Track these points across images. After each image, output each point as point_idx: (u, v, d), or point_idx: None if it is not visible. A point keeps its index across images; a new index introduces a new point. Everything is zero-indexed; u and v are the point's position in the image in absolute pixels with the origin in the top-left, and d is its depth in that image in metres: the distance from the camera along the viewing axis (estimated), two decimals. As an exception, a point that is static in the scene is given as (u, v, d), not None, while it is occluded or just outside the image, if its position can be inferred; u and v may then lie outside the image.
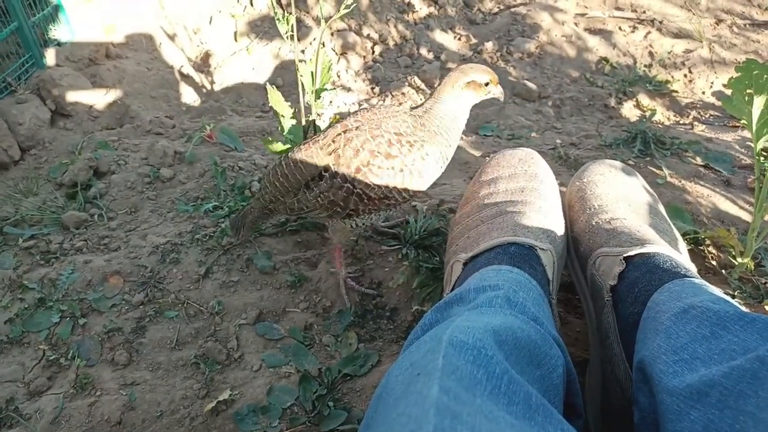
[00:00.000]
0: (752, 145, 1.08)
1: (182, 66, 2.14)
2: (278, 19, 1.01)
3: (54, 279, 1.24)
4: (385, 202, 1.05)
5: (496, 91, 1.07)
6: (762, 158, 1.07)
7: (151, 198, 1.51)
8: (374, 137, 1.01)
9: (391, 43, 2.28)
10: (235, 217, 1.21)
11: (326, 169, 1.03)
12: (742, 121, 1.06)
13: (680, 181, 1.45)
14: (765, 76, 0.98)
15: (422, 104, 1.07)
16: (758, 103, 1.01)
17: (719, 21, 2.31)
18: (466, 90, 1.04)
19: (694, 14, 2.36)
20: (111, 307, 1.19)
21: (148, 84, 2.01)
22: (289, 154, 1.08)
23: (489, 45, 2.27)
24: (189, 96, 2.06)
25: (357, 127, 1.02)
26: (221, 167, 1.55)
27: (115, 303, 1.20)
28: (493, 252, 0.92)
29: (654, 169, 1.53)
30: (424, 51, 2.27)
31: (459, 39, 2.35)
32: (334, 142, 1.03)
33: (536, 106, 2.06)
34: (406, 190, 1.05)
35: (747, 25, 2.29)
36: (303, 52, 2.17)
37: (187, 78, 2.11)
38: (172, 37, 2.21)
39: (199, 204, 1.45)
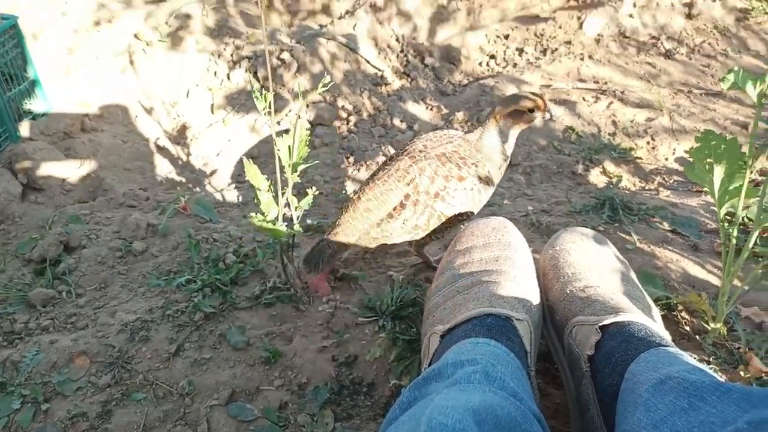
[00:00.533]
0: (716, 210, 1.11)
1: (158, 138, 2.16)
2: (256, 96, 1.03)
3: (17, 361, 1.19)
4: (458, 218, 1.23)
5: (542, 116, 1.22)
6: (726, 224, 1.10)
7: (121, 273, 1.49)
8: (444, 164, 1.17)
9: (365, 114, 2.34)
10: (310, 254, 1.29)
11: (407, 197, 1.18)
12: (705, 188, 1.10)
13: (649, 247, 1.48)
14: (722, 146, 1.03)
15: (473, 131, 1.24)
16: (718, 171, 1.05)
17: (677, 91, 2.44)
18: (510, 119, 1.20)
19: (653, 85, 2.48)
20: (76, 391, 1.14)
21: (123, 156, 2.01)
22: (365, 189, 1.23)
23: (459, 115, 2.34)
24: (164, 168, 2.06)
25: (424, 156, 1.18)
26: (195, 239, 1.54)
27: (80, 386, 1.15)
28: (470, 323, 0.92)
29: (623, 235, 1.56)
30: (397, 121, 2.33)
31: (431, 109, 2.42)
32: (408, 173, 1.18)
33: (508, 174, 2.11)
34: (475, 205, 1.23)
35: (703, 95, 2.41)
36: (279, 123, 2.21)
37: (162, 150, 2.13)
38: (148, 111, 2.23)
39: (171, 278, 1.43)
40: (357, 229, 1.24)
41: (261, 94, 1.00)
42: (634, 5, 2.81)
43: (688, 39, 2.77)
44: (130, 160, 2.02)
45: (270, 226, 1.10)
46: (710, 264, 1.45)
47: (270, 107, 1.03)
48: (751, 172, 1.89)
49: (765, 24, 2.82)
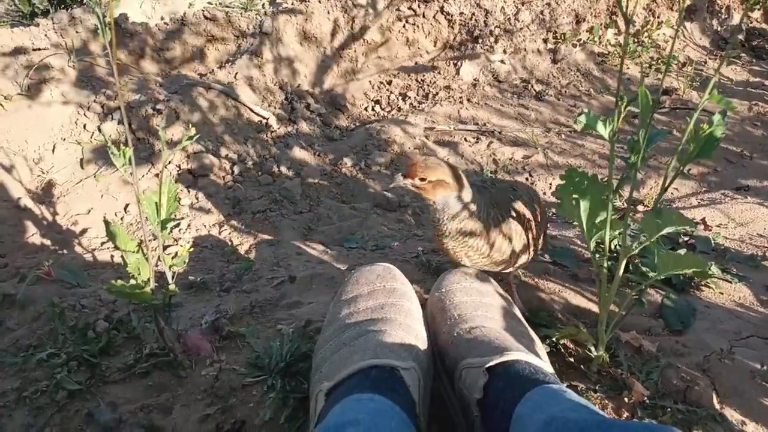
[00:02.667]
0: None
1: (20, 198, 1.97)
2: (113, 153, 0.95)
3: None
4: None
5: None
6: (597, 255, 1.15)
7: (-29, 352, 1.30)
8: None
9: (250, 163, 2.28)
10: None
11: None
12: (575, 222, 1.15)
13: (533, 280, 1.53)
14: (585, 182, 1.08)
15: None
16: (584, 206, 1.10)
17: (549, 130, 2.60)
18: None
19: (526, 125, 2.64)
20: None
21: (-24, 221, 1.81)
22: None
23: (347, 160, 2.34)
24: (26, 231, 1.88)
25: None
26: (60, 307, 1.39)
27: None
28: (355, 378, 0.88)
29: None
30: (284, 168, 2.29)
31: (318, 155, 2.41)
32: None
33: (397, 215, 2.12)
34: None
35: (572, 132, 2.59)
36: (157, 176, 2.10)
37: (25, 211, 1.94)
38: (9, 170, 2.04)
39: (30, 354, 1.27)
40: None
41: (119, 150, 0.92)
42: (504, 51, 3.00)
43: (555, 81, 2.98)
44: (-16, 225, 1.82)
45: (131, 291, 1.01)
46: (589, 292, 1.52)
47: (130, 163, 0.95)
48: (621, 202, 2.03)
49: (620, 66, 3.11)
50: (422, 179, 1.13)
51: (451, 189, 1.14)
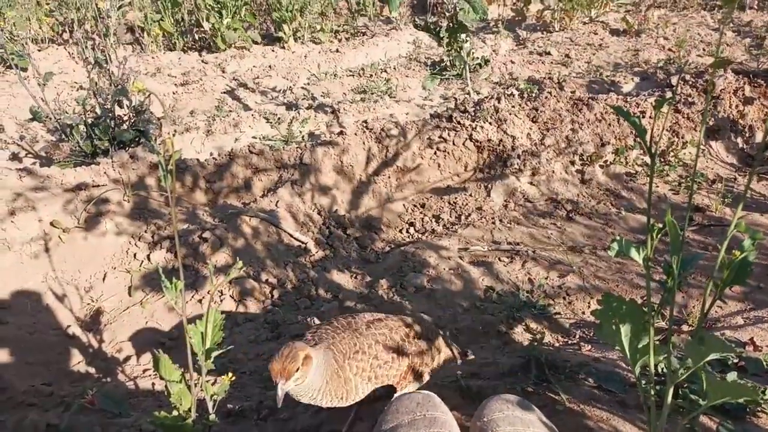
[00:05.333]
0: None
1: (69, 326, 2.05)
2: (166, 287, 1.01)
3: None
4: None
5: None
6: (643, 382, 1.13)
7: (10, 488, 1.31)
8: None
9: (290, 286, 2.34)
10: None
11: None
12: (617, 348, 1.14)
13: (579, 406, 1.48)
14: (623, 307, 1.08)
15: None
16: (625, 331, 1.10)
17: (582, 249, 2.61)
18: None
19: (559, 245, 2.66)
20: None
21: (27, 349, 1.87)
22: None
23: (383, 282, 2.38)
24: (73, 358, 1.93)
25: None
26: (100, 440, 1.40)
27: None
28: None
29: (552, 395, 1.55)
30: (322, 291, 2.33)
31: (355, 278, 2.46)
32: None
33: (435, 338, 2.11)
34: None
35: (606, 251, 2.59)
36: (200, 302, 2.16)
37: (72, 339, 2.00)
38: (60, 298, 2.14)
39: (70, 488, 1.27)
40: None
41: (171, 284, 0.98)
42: (533, 173, 3.11)
43: (585, 201, 3.04)
44: (34, 353, 1.88)
45: (173, 422, 1.02)
46: (639, 420, 1.46)
47: (181, 294, 1.01)
48: (663, 322, 1.98)
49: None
50: (299, 368, 1.23)
51: (313, 356, 1.28)
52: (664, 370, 1.55)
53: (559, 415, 1.44)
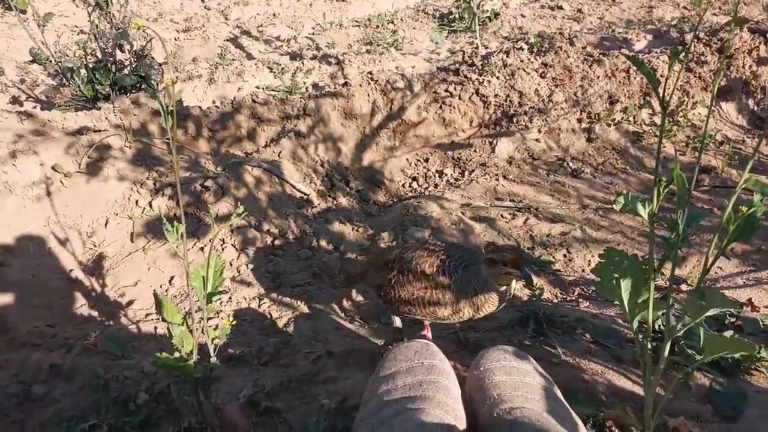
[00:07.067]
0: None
1: (72, 270, 2.06)
2: (167, 229, 1.01)
3: None
4: None
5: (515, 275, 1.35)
6: (640, 336, 1.13)
7: (17, 421, 1.34)
8: None
9: (291, 237, 2.34)
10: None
11: None
12: (616, 302, 1.14)
13: (574, 359, 1.50)
14: (625, 262, 1.08)
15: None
16: (625, 286, 1.10)
17: (585, 207, 2.60)
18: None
19: (563, 202, 2.65)
20: None
21: (31, 292, 1.89)
22: None
23: (385, 235, 2.38)
24: (75, 302, 1.95)
25: None
26: (103, 379, 1.42)
27: None
28: (395, 459, 0.87)
29: (549, 348, 1.57)
30: (323, 242, 2.34)
31: (357, 230, 2.46)
32: None
33: (434, 291, 2.12)
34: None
35: (609, 209, 2.58)
36: (202, 249, 2.17)
37: (75, 283, 2.02)
38: (63, 242, 2.14)
39: (73, 424, 1.30)
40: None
41: (173, 227, 0.98)
42: (539, 130, 3.07)
43: (591, 159, 3.01)
44: (38, 295, 1.89)
45: (175, 363, 1.03)
46: (634, 374, 1.48)
47: (181, 238, 1.01)
48: (663, 280, 1.99)
49: (656, 145, 3.13)
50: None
51: None
52: (662, 326, 1.56)
53: (554, 368, 1.45)
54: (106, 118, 2.57)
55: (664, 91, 0.89)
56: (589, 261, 2.28)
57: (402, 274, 1.52)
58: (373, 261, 1.80)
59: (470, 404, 1.09)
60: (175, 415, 1.33)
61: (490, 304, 1.41)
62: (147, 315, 1.91)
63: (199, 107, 2.84)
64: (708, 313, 0.96)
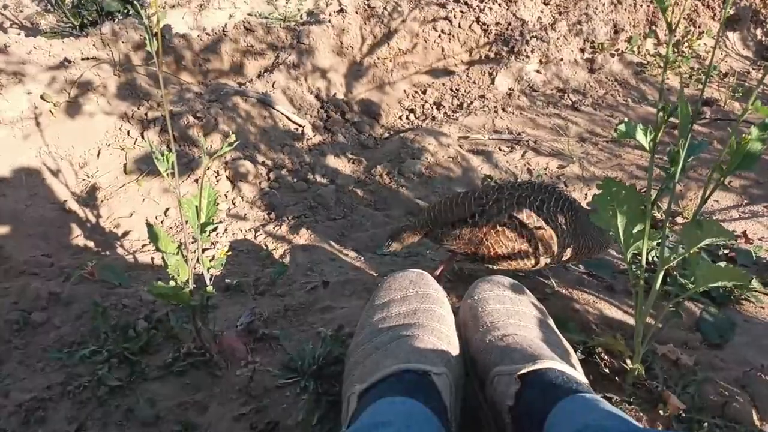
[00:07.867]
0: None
1: (66, 201, 2.05)
2: (157, 158, 0.99)
3: None
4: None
5: None
6: (634, 266, 1.14)
7: (19, 347, 1.36)
8: None
9: (286, 170, 2.32)
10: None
11: None
12: (611, 233, 1.14)
13: (567, 290, 1.52)
14: (623, 192, 1.07)
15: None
16: (621, 216, 1.09)
17: (584, 140, 2.57)
18: None
19: (562, 135, 2.61)
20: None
21: (26, 222, 1.89)
22: None
23: (381, 168, 2.36)
24: (71, 232, 1.95)
25: None
26: (102, 306, 1.44)
27: (-39, 481, 1.02)
28: (387, 381, 0.89)
29: (542, 279, 1.59)
30: (318, 176, 2.32)
31: (352, 163, 2.43)
32: None
33: (430, 224, 2.12)
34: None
35: (609, 143, 2.56)
36: (196, 181, 2.15)
37: (70, 213, 2.01)
38: (55, 173, 2.12)
39: (74, 350, 1.32)
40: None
41: (163, 156, 0.96)
42: (540, 61, 2.99)
43: (592, 91, 2.95)
44: (33, 226, 1.89)
45: (171, 292, 1.04)
46: (625, 304, 1.50)
47: (173, 168, 0.99)
48: (659, 213, 2.00)
49: (659, 77, 3.06)
50: None
51: None
52: (656, 258, 1.57)
53: (547, 298, 1.47)
54: (93, 46, 2.48)
55: (672, 12, 0.85)
56: (586, 195, 2.28)
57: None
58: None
59: (463, 331, 1.11)
60: (174, 341, 1.35)
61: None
62: (143, 246, 1.92)
63: (188, 35, 2.74)
64: (703, 243, 0.96)
